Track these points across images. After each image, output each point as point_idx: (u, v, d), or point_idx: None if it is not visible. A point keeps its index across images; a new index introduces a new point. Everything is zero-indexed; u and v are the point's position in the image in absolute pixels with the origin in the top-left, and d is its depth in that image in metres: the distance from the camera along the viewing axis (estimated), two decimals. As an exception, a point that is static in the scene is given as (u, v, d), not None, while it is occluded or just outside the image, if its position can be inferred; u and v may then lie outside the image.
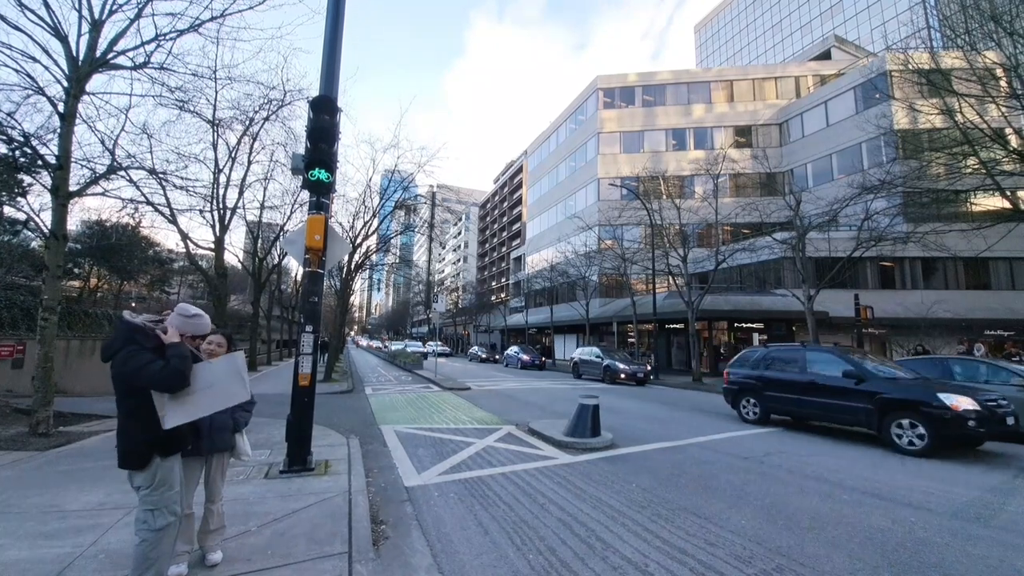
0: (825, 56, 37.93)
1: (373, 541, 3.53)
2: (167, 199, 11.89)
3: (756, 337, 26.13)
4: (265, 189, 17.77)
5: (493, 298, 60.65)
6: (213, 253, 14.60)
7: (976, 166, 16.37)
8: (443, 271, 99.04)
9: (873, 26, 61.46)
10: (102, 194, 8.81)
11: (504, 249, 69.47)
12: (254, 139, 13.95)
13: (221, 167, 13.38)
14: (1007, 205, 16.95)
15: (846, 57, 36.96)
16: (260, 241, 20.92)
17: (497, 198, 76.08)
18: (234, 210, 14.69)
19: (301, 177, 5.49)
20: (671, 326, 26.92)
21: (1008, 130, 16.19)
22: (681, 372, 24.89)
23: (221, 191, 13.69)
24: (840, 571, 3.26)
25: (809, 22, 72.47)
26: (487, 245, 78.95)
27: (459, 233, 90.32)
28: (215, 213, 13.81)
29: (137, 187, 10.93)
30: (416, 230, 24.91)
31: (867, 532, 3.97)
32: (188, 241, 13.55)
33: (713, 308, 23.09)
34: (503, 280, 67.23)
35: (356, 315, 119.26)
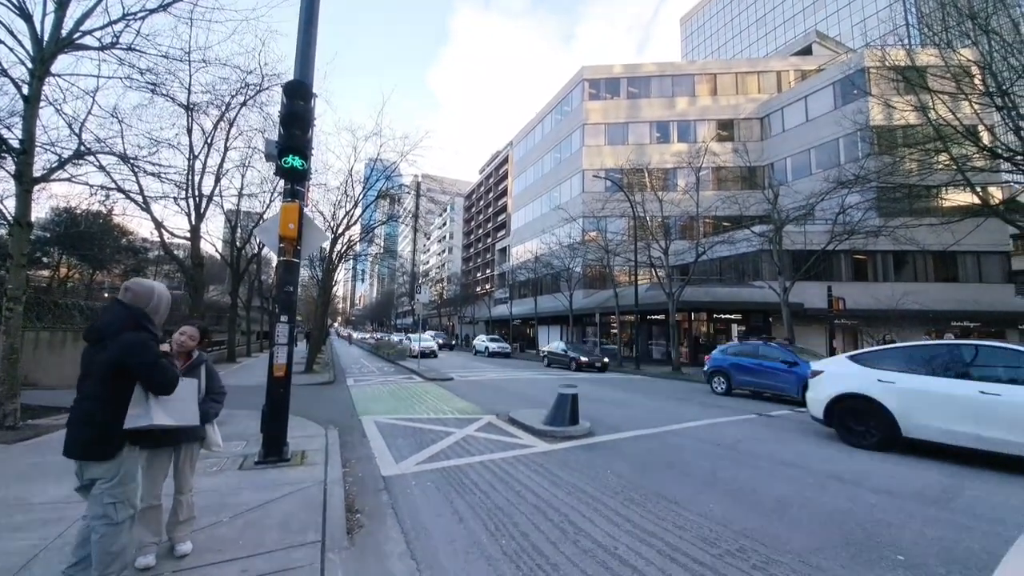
0: (806, 51, 38.43)
1: (348, 530, 3.55)
2: (139, 185, 11.50)
3: (735, 328, 26.72)
4: (243, 176, 17.33)
5: (478, 289, 60.54)
6: (189, 242, 14.22)
7: (947, 162, 16.88)
8: (428, 262, 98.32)
9: (854, 22, 62.49)
10: (69, 180, 8.48)
11: (489, 240, 69.26)
12: (231, 125, 13.54)
13: (196, 153, 12.98)
14: (976, 201, 17.55)
15: (827, 53, 37.50)
16: (238, 230, 20.44)
17: (482, 188, 75.62)
18: (210, 198, 14.29)
19: (275, 164, 5.38)
20: (652, 317, 27.31)
21: (980, 127, 16.68)
22: (662, 362, 25.33)
23: (196, 178, 13.29)
24: (800, 550, 3.40)
25: (792, 17, 73.24)
26: (472, 236, 78.58)
27: (444, 224, 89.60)
28: (190, 201, 13.41)
29: (107, 173, 10.53)
30: (400, 220, 24.62)
31: (828, 513, 4.15)
32: (162, 229, 13.16)
33: (693, 300, 23.47)
34: (488, 271, 67.13)
35: (340, 306, 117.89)
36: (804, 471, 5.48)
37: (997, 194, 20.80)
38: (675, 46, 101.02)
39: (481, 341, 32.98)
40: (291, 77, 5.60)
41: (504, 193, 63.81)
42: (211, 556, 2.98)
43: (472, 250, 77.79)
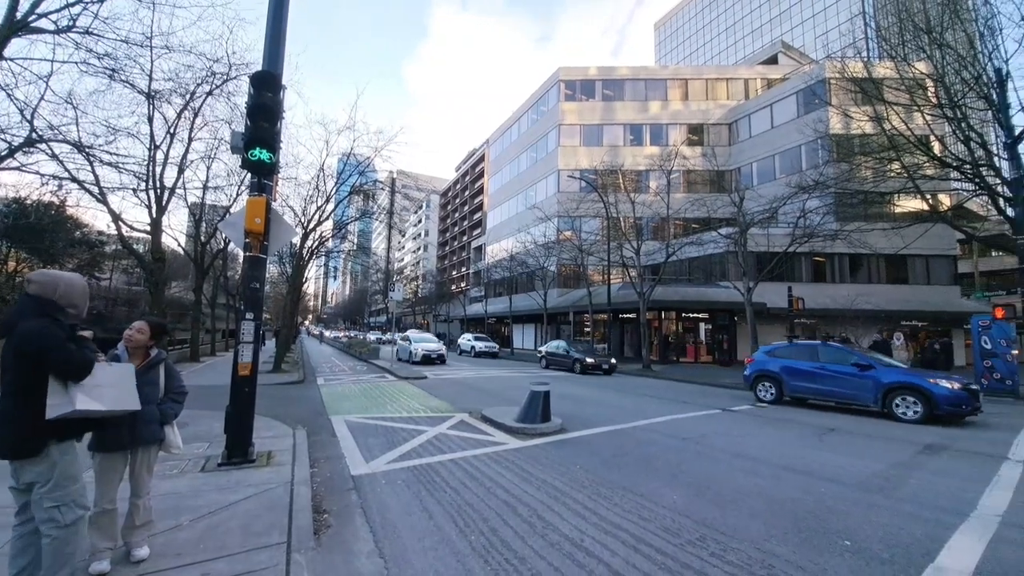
0: (773, 61, 39.88)
1: (315, 530, 3.51)
2: (95, 175, 10.93)
3: (703, 327, 27.56)
4: (209, 169, 16.66)
5: (453, 287, 60.20)
6: (149, 236, 13.59)
7: (900, 170, 17.89)
8: (403, 259, 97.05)
9: (817, 34, 65.29)
10: (19, 169, 8.01)
11: (465, 238, 68.96)
12: (196, 114, 13.01)
13: (158, 143, 12.40)
14: (926, 207, 18.66)
15: (791, 63, 39.05)
16: (203, 224, 19.66)
17: (459, 186, 75.20)
18: (173, 190, 13.68)
19: (240, 156, 5.23)
20: (624, 316, 27.84)
21: (931, 138, 17.71)
22: (632, 360, 25.87)
23: (158, 169, 12.70)
24: (755, 538, 3.58)
25: (760, 27, 75.91)
26: (448, 234, 78.06)
27: (419, 221, 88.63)
28: (151, 193, 12.80)
29: (60, 162, 9.98)
30: (374, 217, 24.20)
31: (783, 503, 4.37)
32: (120, 222, 12.54)
33: (663, 299, 24.07)
34: (464, 269, 66.85)
35: (311, 304, 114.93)
36: (762, 463, 5.74)
37: (946, 201, 22.21)
38: (649, 50, 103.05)
39: (467, 340, 31.04)
40: (260, 67, 5.45)
41: (480, 191, 63.66)
42: (169, 560, 2.90)
43: (447, 248, 77.28)
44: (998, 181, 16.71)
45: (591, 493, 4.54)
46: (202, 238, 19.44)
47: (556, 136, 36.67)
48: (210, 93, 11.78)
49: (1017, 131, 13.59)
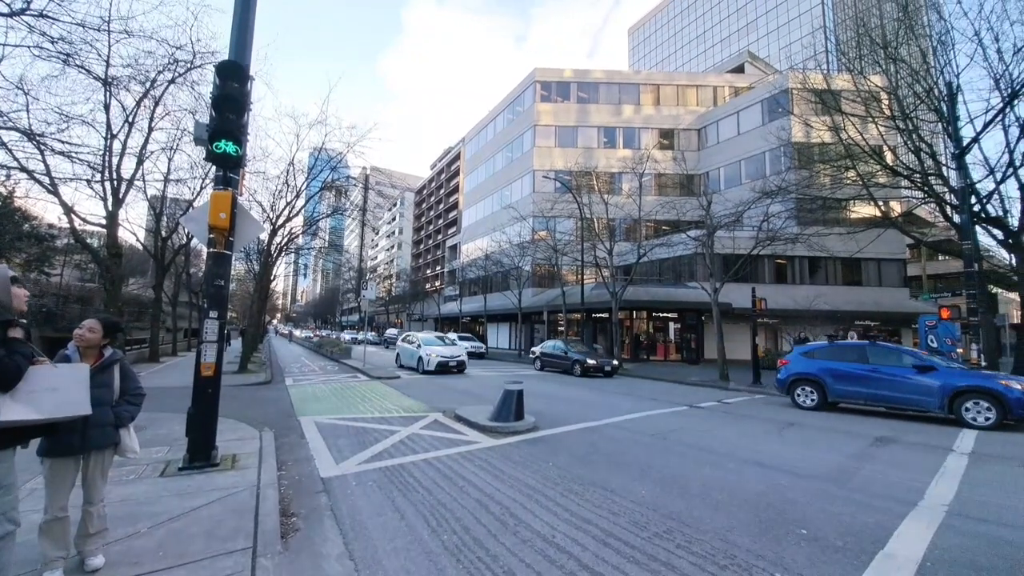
0: (740, 70, 41.32)
1: (282, 534, 3.43)
2: (46, 165, 10.29)
3: (672, 326, 28.28)
4: (170, 160, 15.89)
5: (428, 286, 59.63)
6: (105, 230, 12.88)
7: (855, 178, 18.88)
8: (376, 257, 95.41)
9: (781, 46, 67.99)
10: (-38, 157, 7.44)
11: (440, 237, 68.40)
12: (156, 103, 12.38)
13: (115, 132, 11.75)
14: (878, 213, 19.76)
15: (757, 72, 40.56)
16: (164, 218, 18.78)
17: (434, 184, 74.50)
18: (131, 182, 12.99)
19: (205, 148, 5.04)
20: (597, 315, 28.25)
21: (884, 148, 18.75)
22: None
23: (115, 159, 12.05)
24: (719, 529, 3.72)
25: (728, 36, 78.49)
26: (423, 232, 77.24)
27: (394, 219, 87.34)
28: (107, 184, 12.11)
29: (8, 150, 9.36)
30: (347, 214, 23.70)
31: (745, 495, 4.55)
32: (73, 215, 11.82)
33: (635, 299, 24.58)
34: (438, 268, 66.29)
35: (279, 302, 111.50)
36: (727, 457, 5.96)
37: (897, 208, 23.57)
38: (623, 54, 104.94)
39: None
40: (226, 56, 5.27)
41: (456, 190, 63.28)
42: (126, 569, 2.78)
43: (422, 246, 76.48)
44: (946, 190, 17.86)
45: (563, 490, 4.60)
46: (163, 233, 18.56)
47: (532, 136, 36.85)
48: (172, 81, 11.26)
49: (965, 142, 14.53)
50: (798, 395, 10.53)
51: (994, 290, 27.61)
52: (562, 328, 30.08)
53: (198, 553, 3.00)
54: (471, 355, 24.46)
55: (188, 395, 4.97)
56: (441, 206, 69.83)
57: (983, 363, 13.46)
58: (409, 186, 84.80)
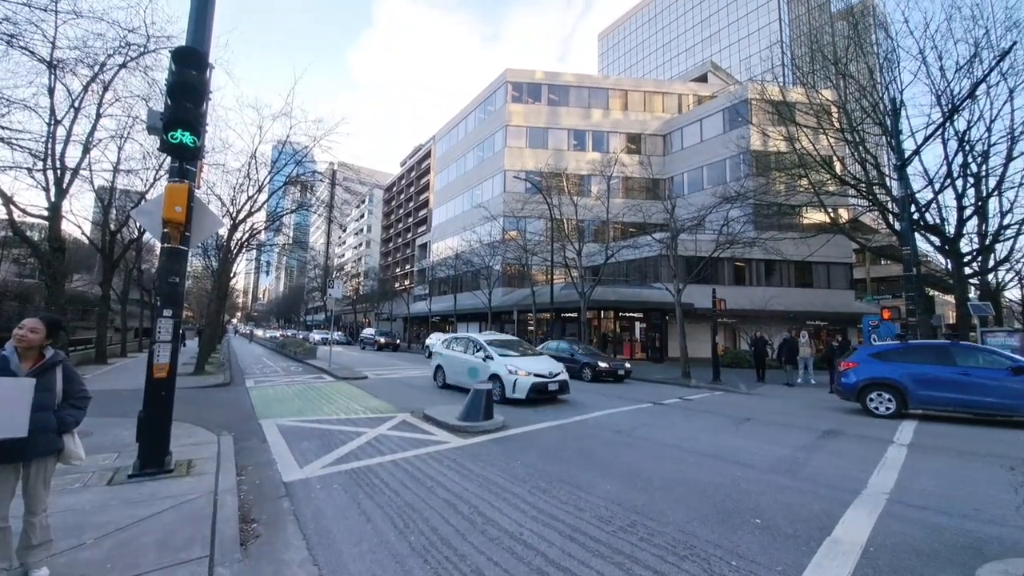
0: (703, 79, 42.84)
1: (242, 541, 3.31)
2: (-22, 152, 9.50)
3: (638, 325, 29.02)
4: (120, 149, 14.96)
5: (397, 285, 58.65)
6: (47, 222, 12.00)
7: (807, 186, 19.97)
8: (343, 255, 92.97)
9: (741, 58, 70.88)
10: None
11: (410, 235, 67.40)
12: (106, 88, 11.62)
13: (60, 118, 10.98)
14: (828, 220, 20.96)
15: (719, 82, 42.18)
16: (113, 211, 17.66)
17: (403, 182, 73.32)
18: (76, 171, 12.16)
19: (159, 138, 4.79)
20: (566, 315, 28.63)
21: (834, 158, 19.91)
22: (575, 358, 26.67)
23: (59, 147, 11.26)
24: (679, 521, 3.88)
25: (692, 47, 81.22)
26: (392, 230, 75.88)
27: (362, 216, 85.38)
28: (50, 173, 11.29)
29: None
30: (312, 210, 22.96)
31: (704, 487, 4.75)
32: (11, 206, 10.96)
33: (602, 299, 25.05)
34: (408, 267, 65.33)
35: (240, 300, 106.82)
36: (688, 452, 6.19)
37: (844, 215, 25.05)
38: (593, 59, 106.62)
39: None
40: (184, 42, 5.03)
41: (426, 188, 62.51)
42: (70, 583, 2.62)
43: (391, 244, 75.13)
44: (888, 199, 19.15)
45: (531, 487, 4.66)
46: (111, 226, 17.44)
47: (503, 137, 36.91)
48: (124, 65, 10.61)
49: (906, 155, 15.60)
50: (871, 401, 9.37)
51: (931, 293, 29.83)
52: (531, 327, 30.29)
53: (150, 564, 2.86)
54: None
55: (139, 398, 4.72)
56: (411, 204, 68.84)
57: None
58: (378, 183, 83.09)
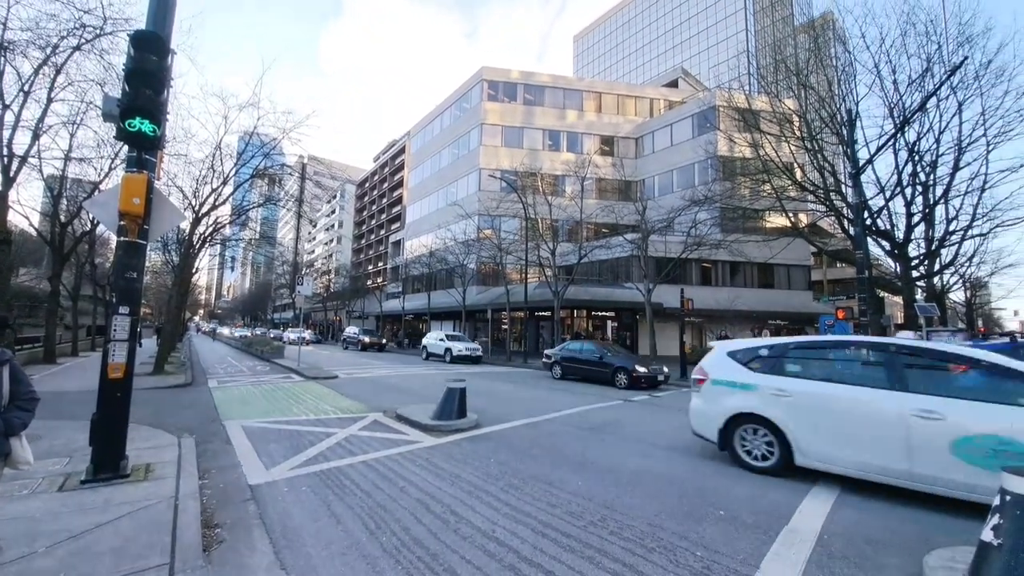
0: (674, 84, 43.94)
1: (204, 547, 3.20)
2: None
3: (609, 324, 29.54)
4: (73, 136, 14.10)
5: (369, 283, 57.55)
6: (-9, 212, 11.20)
7: (770, 191, 20.81)
8: (313, 251, 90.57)
9: (710, 65, 73.01)
10: None
11: (383, 232, 66.27)
12: (58, 71, 10.92)
13: (8, 102, 10.27)
14: (788, 224, 21.90)
15: (689, 88, 43.34)
16: (64, 201, 16.63)
17: (377, 178, 71.96)
18: (24, 158, 11.38)
19: (115, 126, 4.55)
20: (540, 313, 28.87)
21: (795, 165, 20.80)
22: (548, 357, 26.93)
23: (6, 132, 10.53)
24: (648, 515, 3.99)
25: (664, 52, 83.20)
26: (364, 227, 74.39)
27: (333, 211, 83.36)
28: (-5, 160, 10.59)
29: None
30: (281, 204, 22.21)
31: (671, 481, 4.91)
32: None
33: (575, 298, 25.39)
34: (380, 264, 64.21)
35: (202, 297, 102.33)
36: (656, 447, 6.38)
37: (804, 219, 26.25)
38: (568, 60, 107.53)
39: (437, 341, 23.85)
40: (144, 25, 4.79)
41: (400, 184, 61.59)
42: (16, 596, 2.48)
43: (364, 241, 73.67)
44: (843, 205, 20.18)
45: (504, 485, 4.70)
46: (62, 217, 16.42)
47: (478, 135, 36.78)
48: (78, 48, 10.01)
49: (861, 164, 16.46)
50: None
51: (881, 294, 31.61)
52: (506, 326, 30.37)
53: (106, 572, 2.74)
54: (465, 359, 22.04)
55: (92, 400, 4.49)
56: (384, 200, 67.67)
57: (870, 358, 15.30)
58: (350, 178, 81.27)
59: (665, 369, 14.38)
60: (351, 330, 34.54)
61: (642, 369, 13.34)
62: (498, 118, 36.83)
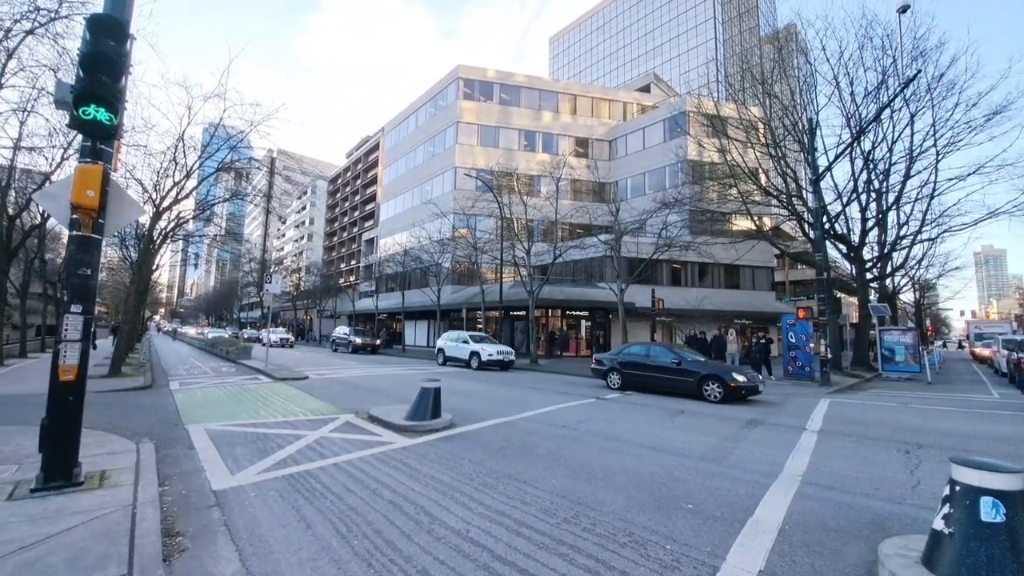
0: (647, 89, 44.88)
1: (165, 556, 3.07)
2: None
3: (583, 324, 29.92)
4: (23, 124, 13.22)
5: (342, 281, 56.31)
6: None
7: (737, 195, 21.54)
8: (283, 249, 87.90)
9: (682, 71, 75.02)
10: None
11: (356, 230, 64.95)
12: (9, 56, 10.24)
13: (-46, 89, 9.55)
14: (753, 227, 22.72)
15: (661, 93, 44.36)
16: (11, 192, 15.60)
17: (350, 174, 70.44)
18: (-31, 148, 10.62)
19: (69, 113, 4.31)
20: (515, 313, 28.93)
21: (760, 171, 21.60)
22: (521, 355, 27.01)
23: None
24: (619, 510, 4.08)
25: (637, 57, 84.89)
26: (336, 224, 72.69)
27: (303, 208, 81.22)
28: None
29: None
30: (248, 199, 21.42)
31: (641, 477, 5.03)
32: None
33: (550, 298, 25.60)
34: (353, 262, 62.92)
35: (163, 295, 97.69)
36: (627, 443, 6.52)
37: (768, 223, 27.30)
38: (544, 61, 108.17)
39: (459, 344, 20.28)
40: (101, 9, 4.55)
41: (373, 181, 60.51)
42: (-45, 614, 2.32)
43: (336, 239, 72.00)
44: (804, 209, 21.10)
45: (478, 484, 4.70)
46: (10, 210, 15.40)
47: (454, 133, 36.54)
48: (31, 32, 9.41)
49: (820, 171, 17.26)
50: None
51: (838, 295, 33.21)
52: (480, 325, 30.33)
53: (57, 586, 2.60)
54: (494, 365, 18.75)
55: (41, 404, 4.24)
56: (357, 197, 66.32)
57: (829, 355, 16.12)
58: (322, 174, 79.33)
59: (760, 377, 12.12)
60: (341, 330, 31.80)
61: (741, 378, 10.85)
62: (474, 117, 36.68)
